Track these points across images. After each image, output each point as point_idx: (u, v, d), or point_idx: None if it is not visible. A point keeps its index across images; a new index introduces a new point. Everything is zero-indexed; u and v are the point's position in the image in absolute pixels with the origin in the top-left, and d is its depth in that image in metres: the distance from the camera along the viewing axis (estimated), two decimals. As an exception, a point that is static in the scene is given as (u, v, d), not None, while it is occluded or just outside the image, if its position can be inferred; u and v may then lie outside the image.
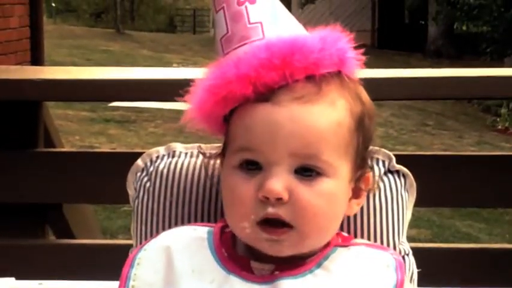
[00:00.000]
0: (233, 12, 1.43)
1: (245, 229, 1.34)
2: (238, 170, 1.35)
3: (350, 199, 1.43)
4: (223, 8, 1.44)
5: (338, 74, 1.39)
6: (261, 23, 1.41)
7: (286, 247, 1.33)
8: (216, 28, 1.46)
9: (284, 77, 1.32)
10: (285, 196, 1.30)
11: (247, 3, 1.42)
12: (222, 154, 1.44)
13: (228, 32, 1.43)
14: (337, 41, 1.40)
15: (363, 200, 1.49)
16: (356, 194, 1.44)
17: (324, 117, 1.33)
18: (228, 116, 1.40)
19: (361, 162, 1.42)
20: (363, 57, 1.44)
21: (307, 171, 1.32)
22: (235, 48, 1.41)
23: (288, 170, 1.32)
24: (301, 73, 1.33)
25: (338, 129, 1.34)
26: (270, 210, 1.30)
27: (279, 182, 1.30)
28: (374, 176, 1.53)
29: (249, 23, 1.41)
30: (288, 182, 1.31)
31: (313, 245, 1.36)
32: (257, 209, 1.31)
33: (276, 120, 1.31)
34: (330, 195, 1.34)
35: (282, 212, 1.30)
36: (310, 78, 1.34)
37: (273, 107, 1.32)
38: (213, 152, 1.54)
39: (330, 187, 1.34)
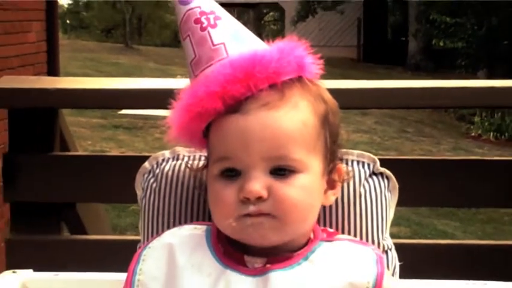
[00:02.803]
0: (198, 38, 1.44)
1: (231, 224, 1.34)
2: (219, 178, 1.37)
3: (326, 190, 1.44)
4: (188, 35, 1.46)
5: (299, 79, 1.40)
6: (223, 43, 1.42)
7: (268, 230, 1.33)
8: (185, 54, 1.47)
9: (249, 88, 1.34)
10: (264, 194, 1.32)
11: (209, 28, 1.44)
12: (207, 165, 1.45)
13: (195, 56, 1.44)
14: (294, 50, 1.41)
15: (338, 191, 1.49)
16: (331, 185, 1.45)
17: (289, 119, 1.34)
18: (205, 131, 1.41)
19: (331, 156, 1.43)
20: (321, 61, 1.44)
21: (281, 171, 1.34)
22: (204, 69, 1.42)
23: (263, 171, 1.33)
24: (264, 82, 1.34)
25: (304, 128, 1.36)
26: (252, 208, 1.32)
27: (257, 183, 1.32)
28: (349, 170, 1.55)
29: (213, 45, 1.42)
30: (265, 182, 1.32)
31: (293, 232, 1.36)
32: (239, 208, 1.33)
33: (246, 128, 1.33)
34: (305, 188, 1.35)
35: (263, 208, 1.32)
36: (273, 86, 1.35)
37: (242, 117, 1.34)
38: (200, 165, 1.55)
39: (304, 181, 1.35)
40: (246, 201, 1.32)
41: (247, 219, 1.33)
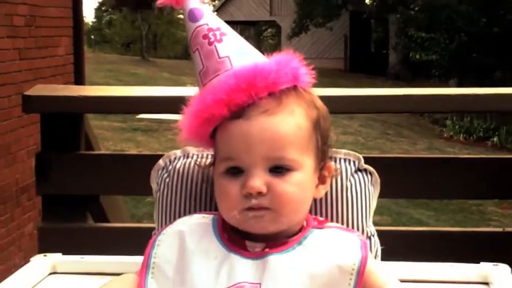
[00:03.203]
0: (206, 51, 1.44)
1: (235, 215, 1.35)
2: (225, 175, 1.37)
3: (317, 185, 1.44)
4: (197, 49, 1.45)
5: (294, 88, 1.40)
6: (228, 56, 1.42)
7: (267, 222, 1.33)
8: (194, 65, 1.47)
9: (251, 96, 1.34)
10: (264, 190, 1.32)
11: (215, 43, 1.43)
12: (213, 163, 1.45)
13: (204, 67, 1.44)
14: (289, 62, 1.41)
15: (328, 185, 1.49)
16: (322, 180, 1.45)
17: (286, 124, 1.34)
18: (212, 133, 1.41)
19: (322, 155, 1.43)
20: (313, 72, 1.44)
21: (278, 169, 1.34)
22: (211, 79, 1.42)
23: (263, 169, 1.33)
24: (264, 91, 1.35)
25: (298, 132, 1.36)
26: (254, 201, 1.32)
27: (258, 180, 1.32)
28: (337, 167, 1.55)
29: (219, 58, 1.42)
30: (265, 179, 1.32)
31: (288, 222, 1.37)
32: (243, 202, 1.33)
33: (249, 132, 1.33)
34: (299, 185, 1.35)
35: (263, 202, 1.32)
36: (271, 94, 1.35)
37: (245, 122, 1.34)
38: (207, 163, 1.56)
39: (299, 178, 1.35)
40: (248, 196, 1.33)
41: (250, 212, 1.33)
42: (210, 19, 1.47)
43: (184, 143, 1.53)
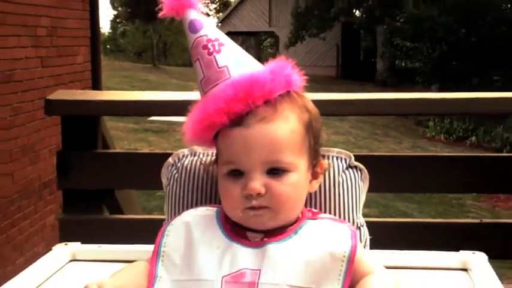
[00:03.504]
0: (206, 61, 1.43)
1: (238, 213, 1.35)
2: (227, 177, 1.37)
3: (311, 181, 1.44)
4: (198, 59, 1.44)
5: (288, 93, 1.39)
6: (226, 66, 1.41)
7: (266, 219, 1.34)
8: (196, 74, 1.46)
9: (248, 105, 1.33)
10: (263, 191, 1.32)
11: (214, 53, 1.42)
12: (216, 161, 1.45)
13: (204, 76, 1.43)
14: (283, 69, 1.40)
15: (320, 180, 1.49)
16: (315, 176, 1.45)
17: (281, 130, 1.34)
18: (214, 136, 1.41)
19: (314, 154, 1.43)
20: (306, 77, 1.44)
21: (275, 171, 1.34)
22: (211, 88, 1.41)
23: (262, 172, 1.33)
24: (260, 100, 1.34)
25: (292, 136, 1.35)
26: (254, 202, 1.32)
27: (257, 182, 1.32)
28: (330, 164, 1.56)
29: (218, 68, 1.41)
30: (263, 181, 1.32)
31: (285, 218, 1.37)
32: (244, 202, 1.33)
33: (248, 139, 1.33)
34: (294, 184, 1.35)
35: (262, 202, 1.33)
36: (267, 101, 1.35)
37: (244, 129, 1.33)
38: (212, 160, 1.55)
39: (294, 178, 1.35)
40: (248, 196, 1.33)
41: (250, 211, 1.34)
42: (209, 30, 1.46)
43: (189, 145, 1.54)
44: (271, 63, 1.43)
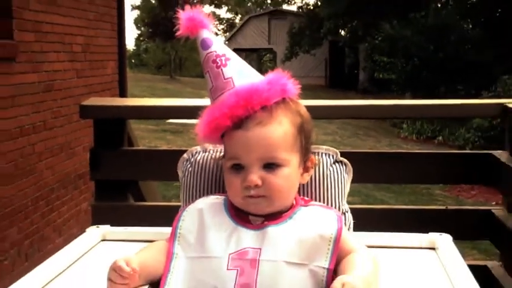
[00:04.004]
0: (214, 73, 1.43)
1: (239, 200, 1.36)
2: (230, 170, 1.37)
3: (302, 173, 1.44)
4: (208, 71, 1.45)
5: (283, 100, 1.40)
6: (231, 77, 1.41)
7: (263, 206, 1.35)
8: (206, 83, 1.47)
9: (248, 110, 1.34)
10: (260, 183, 1.33)
11: (221, 67, 1.42)
12: (224, 156, 1.46)
13: (213, 86, 1.44)
14: (279, 80, 1.40)
15: (311, 173, 1.49)
16: (306, 169, 1.45)
17: (276, 132, 1.34)
18: (222, 136, 1.41)
19: (305, 151, 1.43)
20: (299, 85, 1.44)
21: (271, 166, 1.34)
22: (219, 96, 1.41)
23: (259, 167, 1.34)
24: (258, 106, 1.35)
25: (285, 137, 1.36)
26: (252, 192, 1.33)
27: (255, 175, 1.33)
28: (320, 160, 1.56)
29: (224, 79, 1.41)
30: (260, 174, 1.33)
31: (280, 205, 1.37)
32: (244, 192, 1.34)
33: (247, 140, 1.34)
34: (287, 177, 1.36)
35: (259, 191, 1.33)
36: (264, 108, 1.35)
37: (244, 131, 1.34)
38: (220, 156, 1.57)
39: (287, 172, 1.36)
40: (248, 187, 1.33)
41: (250, 199, 1.35)
42: (217, 47, 1.46)
43: (202, 143, 1.54)
44: (270, 75, 1.43)
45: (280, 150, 1.35)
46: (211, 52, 1.45)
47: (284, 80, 1.42)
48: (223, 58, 1.44)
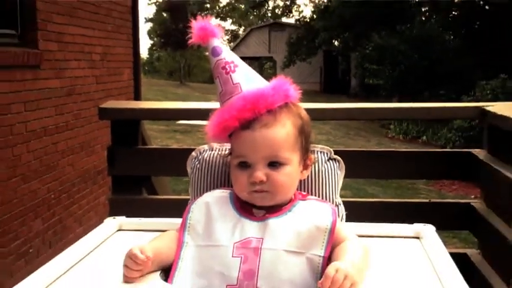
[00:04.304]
0: (224, 79, 1.43)
1: (245, 195, 1.36)
2: (237, 167, 1.37)
3: (302, 171, 1.43)
4: (218, 77, 1.45)
5: (286, 104, 1.40)
6: (239, 83, 1.41)
7: (266, 199, 1.34)
8: (216, 88, 1.46)
9: (254, 113, 1.34)
10: (264, 179, 1.33)
11: (230, 73, 1.42)
12: (230, 154, 1.45)
13: (222, 90, 1.43)
14: (283, 86, 1.41)
15: (309, 170, 1.49)
16: (305, 167, 1.45)
17: (279, 134, 1.34)
18: (229, 135, 1.41)
19: (305, 150, 1.42)
20: (304, 92, 1.45)
21: (274, 164, 1.34)
22: (227, 99, 1.41)
23: (263, 164, 1.34)
24: (264, 109, 1.35)
25: (288, 138, 1.36)
26: (257, 187, 1.33)
27: (260, 172, 1.33)
28: (315, 158, 1.54)
29: (233, 84, 1.41)
30: (264, 171, 1.33)
31: (281, 199, 1.37)
32: (250, 187, 1.34)
33: (254, 140, 1.34)
34: (289, 175, 1.36)
35: (263, 187, 1.34)
36: (269, 111, 1.35)
37: (251, 132, 1.34)
38: (227, 153, 1.55)
39: (288, 170, 1.36)
40: (253, 183, 1.33)
41: (255, 193, 1.35)
42: (227, 54, 1.46)
43: (210, 142, 1.55)
44: (274, 81, 1.43)
45: (283, 150, 1.35)
46: (221, 59, 1.45)
47: (287, 85, 1.42)
48: (232, 65, 1.44)
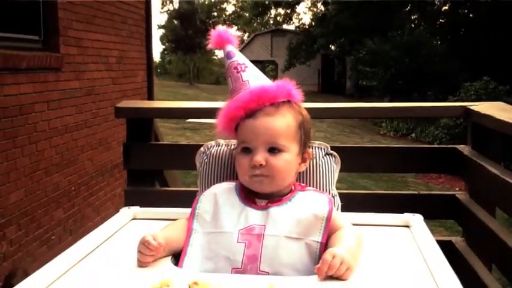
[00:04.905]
0: (235, 77, 1.46)
1: (246, 179, 1.37)
2: (241, 152, 1.39)
3: (300, 163, 1.44)
4: (230, 75, 1.48)
5: (288, 102, 1.41)
6: (248, 80, 1.44)
7: (265, 185, 1.35)
8: (228, 85, 1.49)
9: (259, 105, 1.36)
10: (263, 163, 1.34)
11: (241, 72, 1.46)
12: (236, 147, 1.46)
13: (233, 86, 1.46)
14: (286, 85, 1.43)
15: (307, 163, 1.49)
16: (303, 160, 1.46)
17: (279, 122, 1.36)
18: (235, 128, 1.43)
19: (304, 145, 1.43)
20: (303, 92, 1.47)
21: (274, 150, 1.35)
22: (236, 94, 1.43)
23: (264, 150, 1.35)
24: (267, 102, 1.37)
25: (287, 128, 1.37)
26: (257, 171, 1.35)
27: (260, 156, 1.34)
28: (314, 153, 1.55)
29: (242, 81, 1.44)
30: (264, 156, 1.34)
31: (279, 185, 1.38)
32: (250, 171, 1.35)
33: (256, 126, 1.36)
34: (286, 161, 1.36)
35: (263, 171, 1.35)
36: (273, 104, 1.38)
37: (254, 120, 1.36)
38: (233, 146, 1.57)
39: (286, 157, 1.36)
40: (254, 167, 1.34)
41: (255, 178, 1.35)
42: (238, 57, 1.50)
43: (218, 136, 1.55)
44: (279, 81, 1.44)
45: (282, 138, 1.36)
46: (233, 61, 1.49)
47: (290, 86, 1.44)
48: (242, 65, 1.48)
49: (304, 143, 1.44)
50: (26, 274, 1.24)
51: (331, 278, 1.16)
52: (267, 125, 1.35)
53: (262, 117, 1.36)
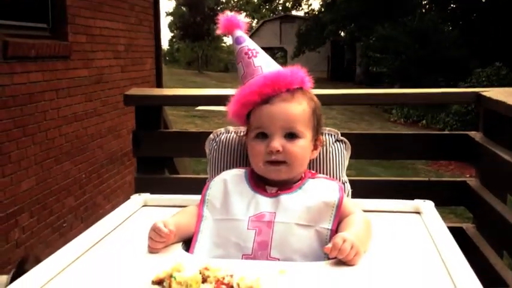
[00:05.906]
0: (246, 62, 1.46)
1: (261, 166, 1.37)
2: (255, 138, 1.38)
3: (312, 150, 1.44)
4: (241, 61, 1.47)
5: (301, 88, 1.42)
6: (260, 66, 1.44)
7: (282, 172, 1.36)
8: (238, 71, 1.49)
9: (274, 90, 1.36)
10: (281, 149, 1.34)
11: (252, 57, 1.46)
12: (246, 134, 1.46)
13: (244, 72, 1.46)
14: (298, 72, 1.43)
15: (319, 150, 1.50)
16: (315, 147, 1.46)
17: (296, 109, 1.36)
18: (247, 115, 1.42)
19: (316, 132, 1.44)
20: (313, 79, 1.47)
21: (290, 136, 1.36)
22: (248, 80, 1.43)
23: (280, 135, 1.35)
24: (283, 88, 1.37)
25: (303, 114, 1.37)
26: (273, 157, 1.35)
27: (277, 142, 1.34)
28: (324, 139, 1.55)
29: (254, 67, 1.44)
30: (281, 142, 1.35)
31: (295, 172, 1.38)
32: (266, 156, 1.35)
33: (272, 112, 1.35)
34: (302, 147, 1.37)
35: (279, 157, 1.35)
36: (288, 90, 1.37)
37: (271, 106, 1.36)
38: (243, 133, 1.56)
39: (302, 143, 1.37)
40: (270, 153, 1.34)
41: (270, 166, 1.36)
42: (248, 43, 1.49)
43: (227, 123, 1.56)
44: (291, 67, 1.44)
45: (299, 123, 1.36)
46: (243, 46, 1.48)
47: (302, 73, 1.44)
48: (254, 51, 1.47)
49: (316, 130, 1.44)
50: (38, 260, 1.26)
51: (339, 263, 1.16)
52: (285, 111, 1.35)
53: (279, 103, 1.36)
